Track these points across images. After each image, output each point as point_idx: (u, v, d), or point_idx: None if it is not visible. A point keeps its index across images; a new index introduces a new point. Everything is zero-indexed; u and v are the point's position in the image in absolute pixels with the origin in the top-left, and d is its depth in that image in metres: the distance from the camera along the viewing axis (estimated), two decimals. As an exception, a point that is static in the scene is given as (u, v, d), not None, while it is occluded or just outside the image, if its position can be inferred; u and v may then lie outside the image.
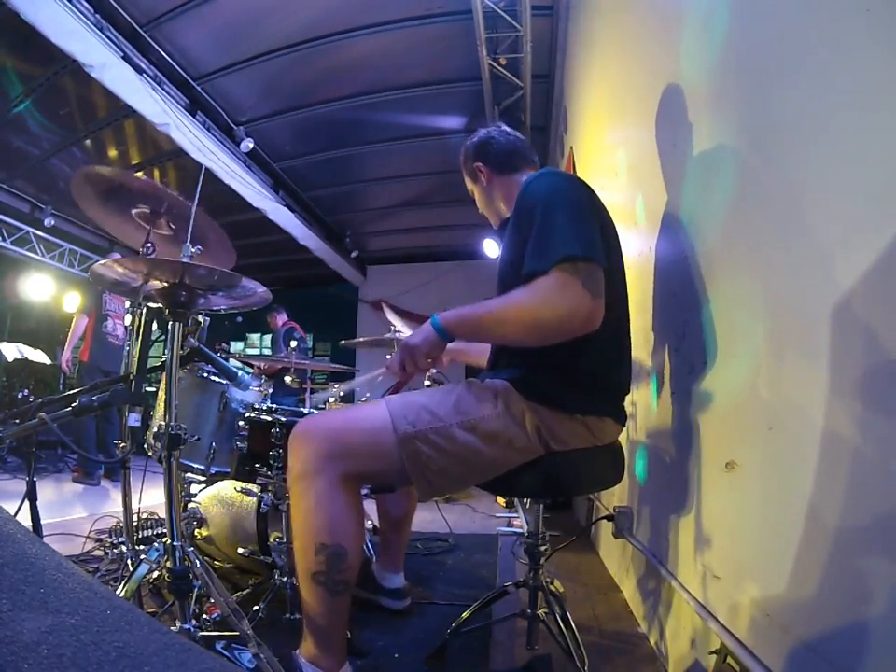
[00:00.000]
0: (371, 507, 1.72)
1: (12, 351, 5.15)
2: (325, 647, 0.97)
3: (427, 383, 2.20)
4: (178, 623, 1.04)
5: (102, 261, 1.12)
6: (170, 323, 1.16)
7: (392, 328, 2.22)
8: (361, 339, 2.45)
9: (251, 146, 4.48)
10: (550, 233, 0.96)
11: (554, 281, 0.92)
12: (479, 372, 1.26)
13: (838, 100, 0.69)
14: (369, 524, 2.21)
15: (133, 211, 1.33)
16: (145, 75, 3.50)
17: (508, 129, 1.35)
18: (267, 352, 7.77)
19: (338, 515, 0.97)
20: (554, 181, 1.08)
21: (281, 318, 4.79)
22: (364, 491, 1.40)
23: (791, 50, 0.80)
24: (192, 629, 1.05)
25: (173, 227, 1.39)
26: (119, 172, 1.34)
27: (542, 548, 1.30)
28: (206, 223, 1.35)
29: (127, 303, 1.71)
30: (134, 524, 1.77)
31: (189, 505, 1.70)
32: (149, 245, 1.29)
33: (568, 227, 0.96)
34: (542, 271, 0.93)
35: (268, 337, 8.48)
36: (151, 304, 1.35)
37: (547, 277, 0.92)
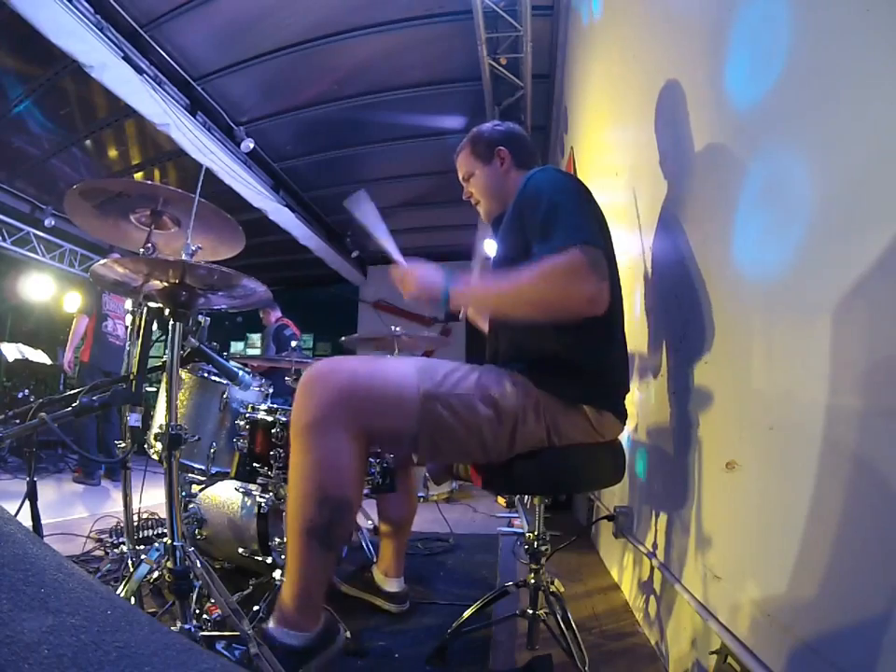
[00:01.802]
0: (371, 507, 1.72)
1: (13, 351, 5.16)
2: (303, 606, 0.95)
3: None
4: (179, 624, 1.04)
5: (102, 261, 1.12)
6: (170, 323, 1.16)
7: (393, 327, 2.23)
8: (361, 336, 2.45)
9: (251, 146, 4.48)
10: (556, 222, 0.99)
11: (563, 260, 0.94)
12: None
13: (838, 100, 0.69)
14: (369, 523, 2.21)
15: (132, 216, 1.33)
16: (145, 75, 3.50)
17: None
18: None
19: (347, 468, 0.95)
20: (557, 176, 1.13)
21: (274, 315, 4.71)
22: (365, 491, 1.40)
23: (792, 50, 0.80)
24: (193, 629, 1.05)
25: (176, 222, 1.38)
26: (113, 181, 1.33)
27: (543, 548, 1.30)
28: (209, 212, 1.34)
29: (128, 303, 1.71)
30: (135, 524, 1.77)
31: (190, 505, 1.70)
32: (150, 245, 1.29)
33: (573, 218, 1.00)
34: (549, 253, 0.96)
35: (268, 337, 8.48)
36: (152, 304, 1.35)
37: (555, 256, 0.94)
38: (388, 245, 1.28)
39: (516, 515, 3.14)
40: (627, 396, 1.17)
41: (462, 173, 1.38)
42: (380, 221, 1.29)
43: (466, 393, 1.01)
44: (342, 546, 0.97)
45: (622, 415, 1.14)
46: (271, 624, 0.96)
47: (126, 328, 4.10)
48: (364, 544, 1.99)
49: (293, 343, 2.04)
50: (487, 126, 1.37)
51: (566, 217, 1.00)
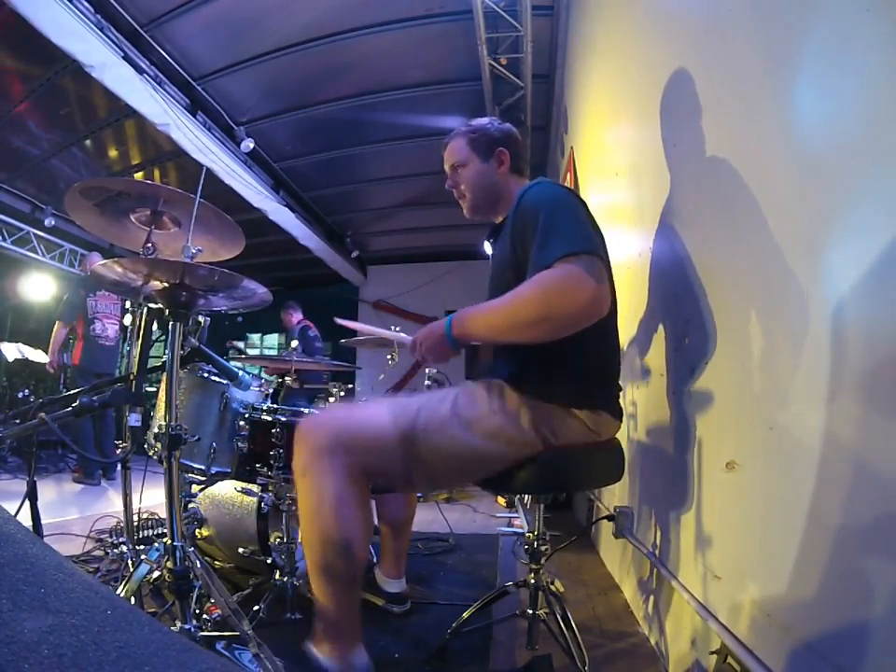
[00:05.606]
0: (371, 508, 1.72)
1: (12, 351, 5.14)
2: (336, 636, 0.98)
3: (427, 383, 2.20)
4: (179, 624, 1.04)
5: (102, 262, 1.12)
6: (170, 323, 1.16)
7: (392, 327, 2.22)
8: (361, 338, 2.44)
9: (252, 146, 4.48)
10: (553, 233, 1.01)
11: (557, 271, 0.95)
12: (479, 374, 1.27)
13: (839, 100, 0.69)
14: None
15: (132, 216, 1.33)
16: (145, 75, 3.50)
17: None
18: (268, 352, 7.76)
19: (345, 509, 0.97)
20: (554, 189, 1.14)
21: (296, 316, 4.64)
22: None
23: (792, 51, 0.80)
24: (193, 629, 1.05)
25: (176, 222, 1.38)
26: (113, 180, 1.32)
27: (543, 548, 1.30)
28: (210, 212, 1.34)
29: (128, 304, 1.70)
30: (135, 524, 1.77)
31: (190, 505, 1.70)
32: (150, 245, 1.29)
33: (570, 228, 1.01)
34: (545, 265, 0.96)
35: (268, 337, 8.48)
36: (152, 305, 1.35)
37: (550, 270, 0.95)
38: (393, 335, 1.33)
39: (516, 515, 3.14)
40: (628, 396, 1.17)
41: (452, 160, 1.34)
42: (372, 325, 1.36)
43: (441, 422, 1.03)
44: (354, 582, 1.00)
45: (617, 413, 1.14)
46: (311, 643, 0.99)
47: (118, 327, 4.10)
48: (370, 536, 1.98)
49: (293, 344, 2.03)
50: (487, 121, 1.35)
51: (562, 230, 1.01)
